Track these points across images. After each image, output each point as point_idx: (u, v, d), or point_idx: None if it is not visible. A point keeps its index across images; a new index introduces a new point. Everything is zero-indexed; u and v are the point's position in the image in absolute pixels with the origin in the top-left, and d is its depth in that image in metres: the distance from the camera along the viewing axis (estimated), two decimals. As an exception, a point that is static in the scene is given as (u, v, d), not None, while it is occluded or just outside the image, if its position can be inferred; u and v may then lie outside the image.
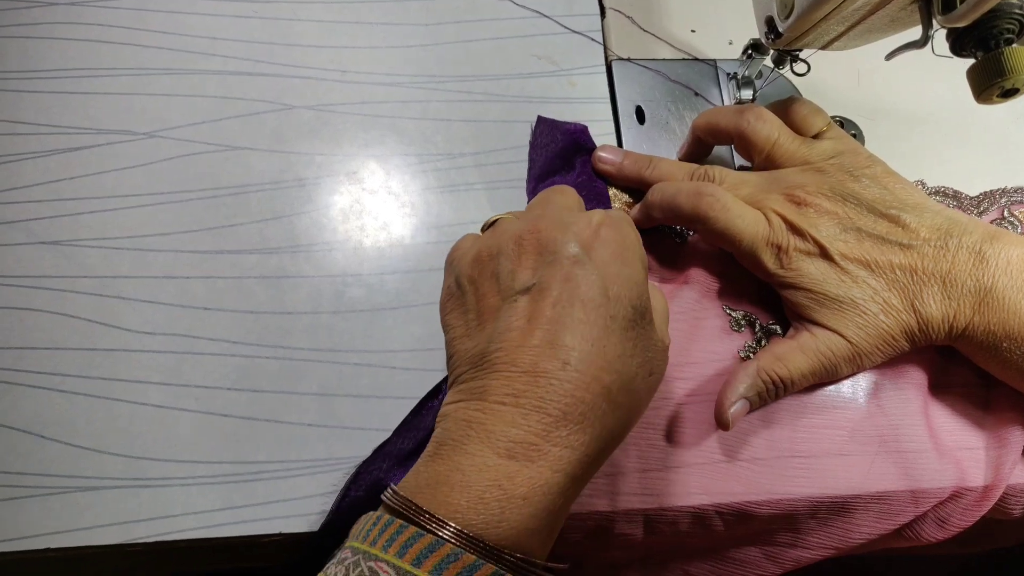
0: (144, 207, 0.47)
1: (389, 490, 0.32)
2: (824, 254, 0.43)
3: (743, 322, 0.47)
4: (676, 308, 0.46)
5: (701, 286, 0.47)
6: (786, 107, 0.48)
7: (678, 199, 0.44)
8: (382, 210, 0.49)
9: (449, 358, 0.36)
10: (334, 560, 0.31)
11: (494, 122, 0.52)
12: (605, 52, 0.55)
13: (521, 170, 0.51)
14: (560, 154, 0.49)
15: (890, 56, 0.42)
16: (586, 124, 0.50)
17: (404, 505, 0.31)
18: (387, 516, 0.30)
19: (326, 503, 0.42)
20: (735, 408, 0.42)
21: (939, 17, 0.35)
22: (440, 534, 0.29)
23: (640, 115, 0.53)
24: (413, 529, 0.29)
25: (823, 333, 0.43)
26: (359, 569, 0.29)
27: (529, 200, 0.49)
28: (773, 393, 0.43)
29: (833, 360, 0.43)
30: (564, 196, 0.40)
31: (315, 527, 0.41)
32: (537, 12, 0.55)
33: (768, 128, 0.46)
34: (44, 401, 0.42)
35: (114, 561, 0.42)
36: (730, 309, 0.47)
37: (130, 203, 0.47)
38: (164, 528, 0.41)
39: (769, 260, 0.44)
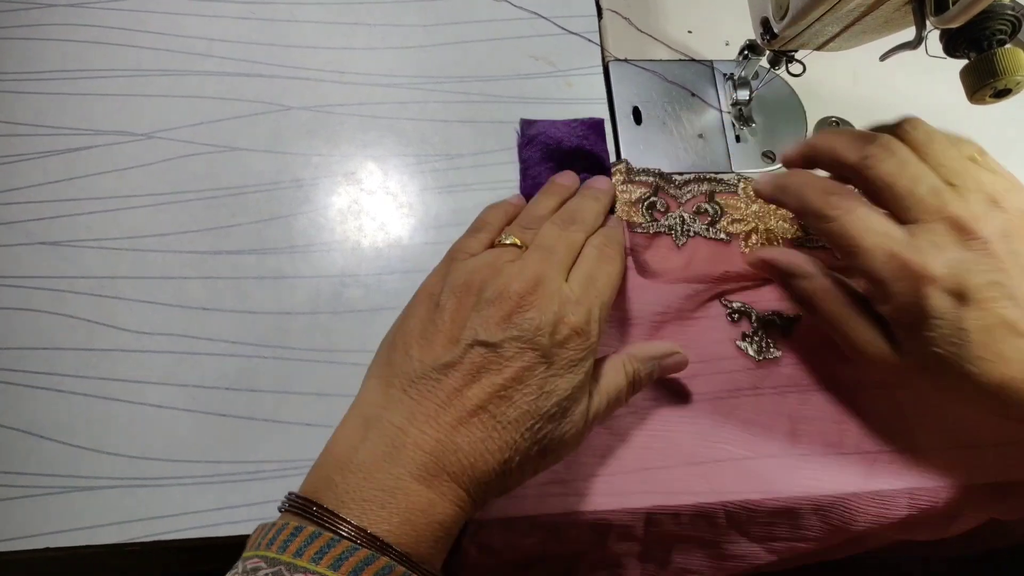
0: (142, 208, 0.47)
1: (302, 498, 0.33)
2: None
3: (740, 312, 0.47)
4: (674, 302, 0.46)
5: (698, 280, 0.47)
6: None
7: (805, 190, 0.41)
8: (380, 211, 0.49)
9: (394, 346, 0.37)
10: (238, 571, 0.31)
11: (492, 123, 0.52)
12: (602, 53, 0.55)
13: (517, 171, 0.51)
14: (566, 147, 0.49)
15: (884, 57, 0.42)
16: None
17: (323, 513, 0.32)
18: (302, 524, 0.32)
19: (324, 502, 0.42)
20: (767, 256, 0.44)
21: (932, 18, 0.36)
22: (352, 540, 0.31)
23: (637, 116, 0.54)
24: (328, 536, 0.31)
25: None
26: None
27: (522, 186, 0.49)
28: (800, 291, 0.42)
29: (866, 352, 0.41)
30: (567, 249, 0.39)
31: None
32: (534, 13, 0.55)
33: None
34: (42, 401, 0.43)
35: (112, 560, 0.42)
36: (727, 301, 0.47)
37: (128, 204, 0.47)
38: (162, 528, 0.41)
39: (888, 273, 0.38)
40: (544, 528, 0.42)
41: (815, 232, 0.44)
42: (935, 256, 0.37)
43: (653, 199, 0.49)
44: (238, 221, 0.48)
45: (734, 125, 0.54)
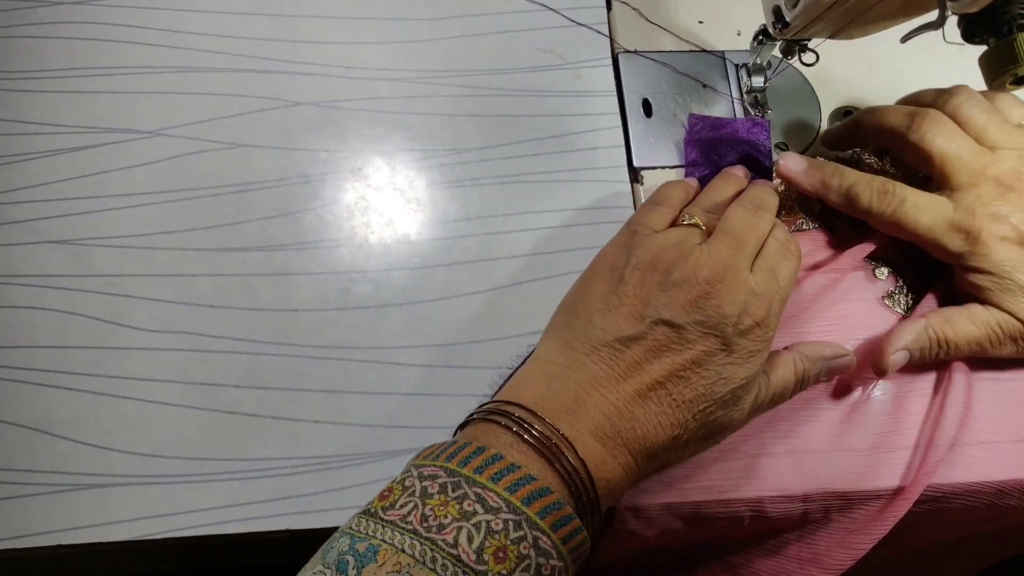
0: (150, 205, 0.47)
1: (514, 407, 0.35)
2: (1022, 242, 0.43)
3: (886, 270, 0.48)
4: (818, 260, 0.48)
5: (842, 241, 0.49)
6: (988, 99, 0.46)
7: (856, 189, 0.45)
8: (388, 206, 0.49)
9: (576, 311, 0.39)
10: (412, 475, 0.32)
11: (499, 116, 0.52)
12: (611, 44, 0.55)
13: (526, 165, 0.50)
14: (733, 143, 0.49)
15: (905, 38, 0.41)
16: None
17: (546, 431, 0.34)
18: (484, 445, 0.33)
19: (333, 500, 0.42)
20: (896, 356, 0.43)
21: (950, 3, 0.35)
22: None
23: (647, 108, 0.53)
24: (507, 462, 0.32)
25: (998, 311, 0.43)
26: (461, 491, 0.31)
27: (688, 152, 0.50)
28: (935, 352, 0.44)
29: (1001, 337, 0.44)
30: (754, 237, 0.40)
31: (322, 524, 0.41)
32: (543, 5, 0.55)
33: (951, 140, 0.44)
34: (53, 399, 0.43)
35: (124, 557, 0.42)
36: (872, 259, 0.49)
37: (136, 201, 0.47)
38: (172, 525, 0.41)
39: (954, 244, 0.43)
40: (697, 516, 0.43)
41: (872, 223, 0.46)
42: (982, 213, 0.43)
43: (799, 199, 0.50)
44: (245, 218, 0.47)
45: (747, 115, 0.53)
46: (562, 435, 0.34)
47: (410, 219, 0.49)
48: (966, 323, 0.44)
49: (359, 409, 0.44)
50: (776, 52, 0.51)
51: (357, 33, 0.53)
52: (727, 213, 0.41)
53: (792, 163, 0.48)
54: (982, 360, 0.45)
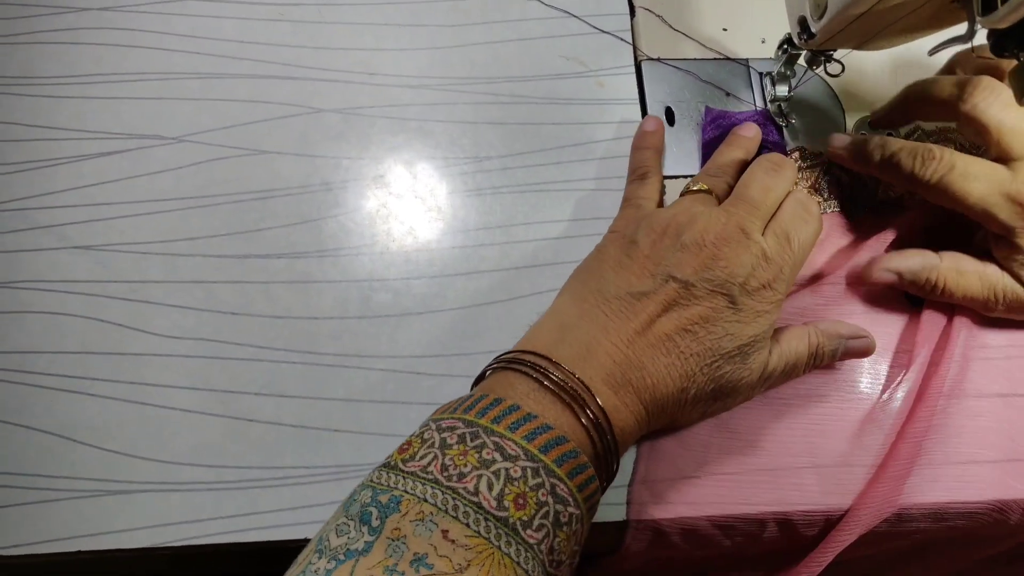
0: (173, 211, 0.48)
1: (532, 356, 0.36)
2: None
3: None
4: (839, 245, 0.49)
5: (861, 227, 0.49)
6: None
7: (899, 156, 0.44)
8: (409, 214, 0.49)
9: (586, 267, 0.41)
10: (431, 428, 0.33)
11: (521, 124, 0.51)
12: (634, 52, 0.54)
13: (548, 173, 0.50)
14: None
15: (934, 51, 0.40)
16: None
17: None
18: (500, 397, 0.34)
19: (352, 509, 0.42)
20: (883, 275, 0.45)
21: (979, 18, 0.34)
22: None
23: (670, 116, 0.53)
24: (524, 411, 0.32)
25: (1013, 282, 0.44)
26: (479, 440, 0.31)
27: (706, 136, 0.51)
28: (926, 291, 0.45)
29: (999, 304, 0.44)
30: (767, 202, 0.40)
31: (341, 533, 0.41)
32: (566, 12, 0.55)
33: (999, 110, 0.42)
34: (76, 405, 0.43)
35: (144, 564, 0.42)
36: None
37: (160, 207, 0.48)
38: (193, 532, 0.41)
39: (1007, 216, 0.42)
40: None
41: (919, 192, 0.45)
42: None
43: (824, 180, 0.50)
44: (267, 225, 0.48)
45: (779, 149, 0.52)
46: (579, 379, 0.35)
47: (431, 227, 0.49)
48: (974, 280, 0.44)
49: (378, 418, 0.44)
50: (801, 61, 0.50)
51: (379, 40, 0.53)
52: (744, 177, 0.42)
53: (837, 140, 0.48)
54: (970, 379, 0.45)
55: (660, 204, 0.47)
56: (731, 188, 0.43)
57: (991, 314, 0.46)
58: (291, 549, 0.42)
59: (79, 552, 0.40)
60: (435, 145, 0.51)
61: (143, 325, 0.45)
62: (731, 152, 0.46)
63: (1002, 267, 0.44)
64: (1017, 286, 0.44)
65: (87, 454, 0.42)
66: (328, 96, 0.51)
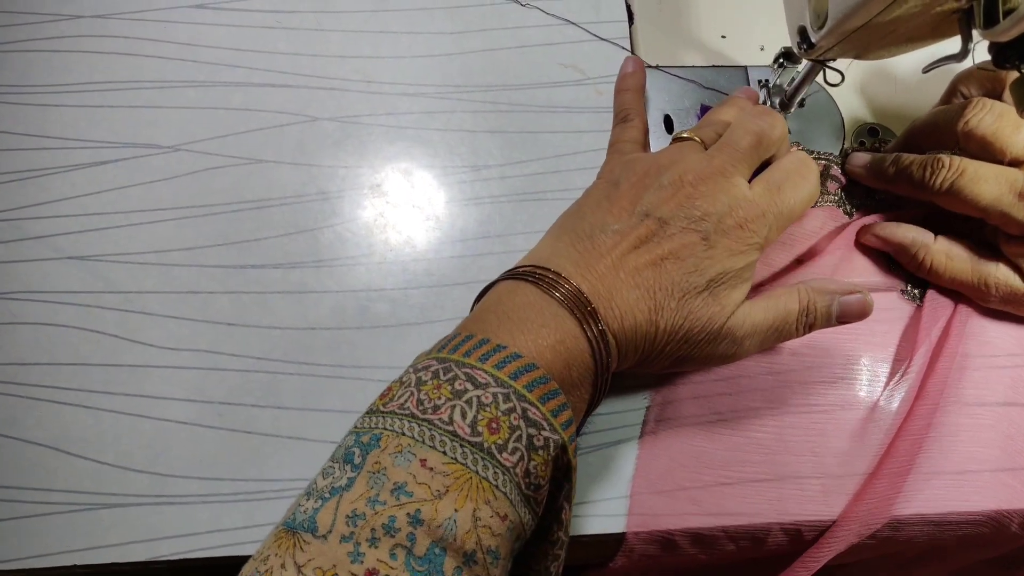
0: (168, 221, 0.47)
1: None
2: None
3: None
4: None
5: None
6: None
7: (911, 169, 0.45)
8: (406, 223, 0.48)
9: (567, 211, 0.41)
10: (408, 372, 0.34)
11: (519, 133, 0.51)
12: (633, 60, 0.54)
13: (546, 182, 0.50)
14: None
15: (928, 69, 0.40)
16: None
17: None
18: (471, 333, 0.34)
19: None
20: (871, 239, 0.48)
21: (980, 31, 0.34)
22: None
23: (669, 124, 0.52)
24: (494, 343, 0.33)
25: (1013, 275, 0.45)
26: (451, 374, 0.32)
27: None
28: (913, 265, 0.47)
29: (996, 293, 0.45)
30: (752, 151, 0.40)
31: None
32: (564, 20, 0.54)
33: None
34: (70, 417, 0.43)
35: (139, 578, 0.42)
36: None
37: (155, 217, 0.47)
38: (189, 546, 0.41)
39: (1021, 213, 0.42)
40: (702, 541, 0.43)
41: (933, 200, 0.46)
42: None
43: (824, 176, 0.51)
44: (263, 235, 0.47)
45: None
46: (576, 287, 0.36)
47: (429, 237, 0.48)
48: (964, 266, 0.45)
49: (376, 430, 0.43)
50: (799, 69, 0.50)
51: (377, 47, 0.53)
52: (731, 128, 0.42)
53: (856, 160, 0.50)
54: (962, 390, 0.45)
55: (646, 144, 0.48)
56: (718, 136, 0.42)
57: (987, 304, 0.46)
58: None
59: (74, 567, 0.40)
60: (433, 153, 0.50)
61: (138, 336, 0.44)
62: (726, 109, 0.45)
63: (1009, 264, 0.45)
64: (1012, 276, 0.45)
65: (81, 467, 0.42)
66: (325, 104, 0.51)
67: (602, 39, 0.54)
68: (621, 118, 0.48)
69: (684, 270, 0.37)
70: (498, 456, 0.31)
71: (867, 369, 0.46)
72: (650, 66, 0.54)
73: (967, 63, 0.38)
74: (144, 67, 0.50)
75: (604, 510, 0.42)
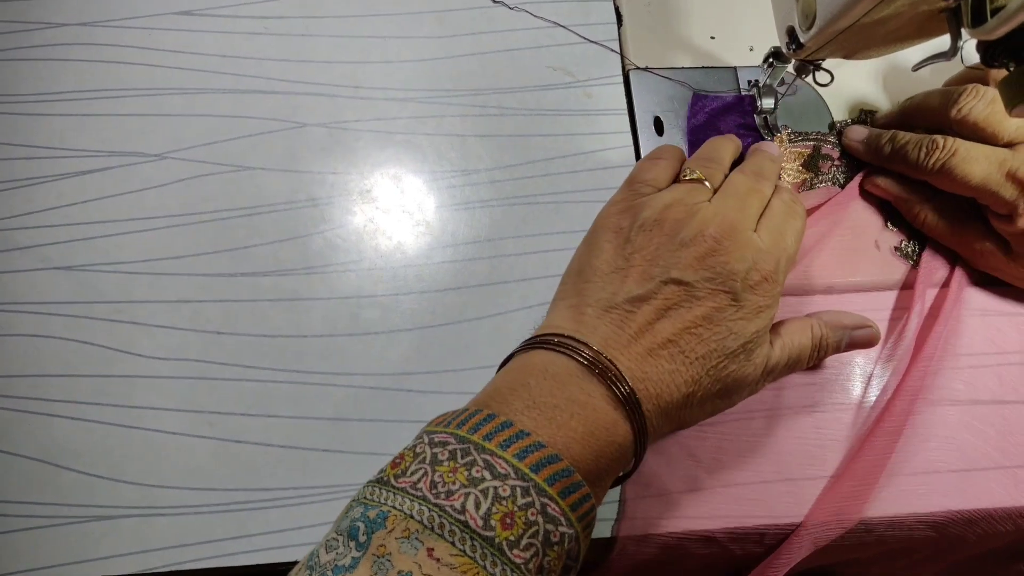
0: (157, 230, 0.47)
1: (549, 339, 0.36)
2: None
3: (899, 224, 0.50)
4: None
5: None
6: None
7: (907, 148, 0.46)
8: (396, 229, 0.48)
9: (583, 278, 0.38)
10: (423, 442, 0.32)
11: (509, 137, 0.51)
12: (622, 62, 0.54)
13: (536, 185, 0.50)
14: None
15: (917, 67, 0.40)
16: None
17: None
18: (493, 413, 0.33)
19: (342, 531, 0.41)
20: (884, 184, 0.49)
21: (968, 29, 0.34)
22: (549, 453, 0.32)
23: (659, 126, 0.52)
24: (516, 428, 0.32)
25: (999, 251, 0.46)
26: (469, 457, 0.31)
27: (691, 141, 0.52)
28: (910, 216, 0.48)
29: (978, 251, 0.47)
30: (758, 200, 0.40)
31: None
32: (553, 22, 0.54)
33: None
34: (60, 429, 0.42)
35: (131, 590, 0.42)
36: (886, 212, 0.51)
37: (143, 226, 0.47)
38: (180, 557, 0.41)
39: (1008, 193, 0.43)
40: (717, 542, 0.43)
41: (926, 178, 0.47)
42: None
43: (816, 156, 0.51)
44: (253, 242, 0.47)
45: (759, 133, 0.52)
46: (607, 359, 0.34)
47: (419, 242, 0.48)
48: (955, 229, 0.47)
49: (368, 437, 0.43)
50: (789, 69, 0.50)
51: (365, 52, 0.53)
52: (730, 178, 0.41)
53: (854, 134, 0.51)
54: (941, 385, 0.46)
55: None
56: (724, 175, 0.42)
57: (975, 266, 0.48)
58: (280, 572, 0.41)
59: (64, 580, 0.40)
60: (422, 158, 0.50)
61: (127, 346, 0.44)
62: (724, 144, 0.45)
63: (997, 238, 0.46)
64: (996, 252, 0.46)
65: (70, 479, 0.41)
66: (313, 110, 0.51)
67: (591, 41, 0.54)
68: (654, 156, 0.44)
69: (719, 336, 0.36)
70: (508, 553, 0.29)
71: (860, 371, 0.46)
72: (639, 67, 0.54)
73: (956, 61, 0.38)
74: (131, 74, 0.50)
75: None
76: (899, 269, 0.49)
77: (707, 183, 0.41)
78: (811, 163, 0.51)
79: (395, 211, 0.49)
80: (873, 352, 0.46)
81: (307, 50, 0.52)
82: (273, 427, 0.43)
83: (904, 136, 0.47)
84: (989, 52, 0.36)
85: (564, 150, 0.51)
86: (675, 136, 0.52)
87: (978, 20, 0.33)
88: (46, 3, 0.51)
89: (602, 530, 0.42)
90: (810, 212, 0.49)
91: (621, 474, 0.36)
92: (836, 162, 0.51)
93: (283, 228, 0.48)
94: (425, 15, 0.54)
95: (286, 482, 0.42)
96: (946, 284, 0.48)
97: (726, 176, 0.42)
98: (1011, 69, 0.36)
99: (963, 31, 0.36)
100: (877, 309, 0.48)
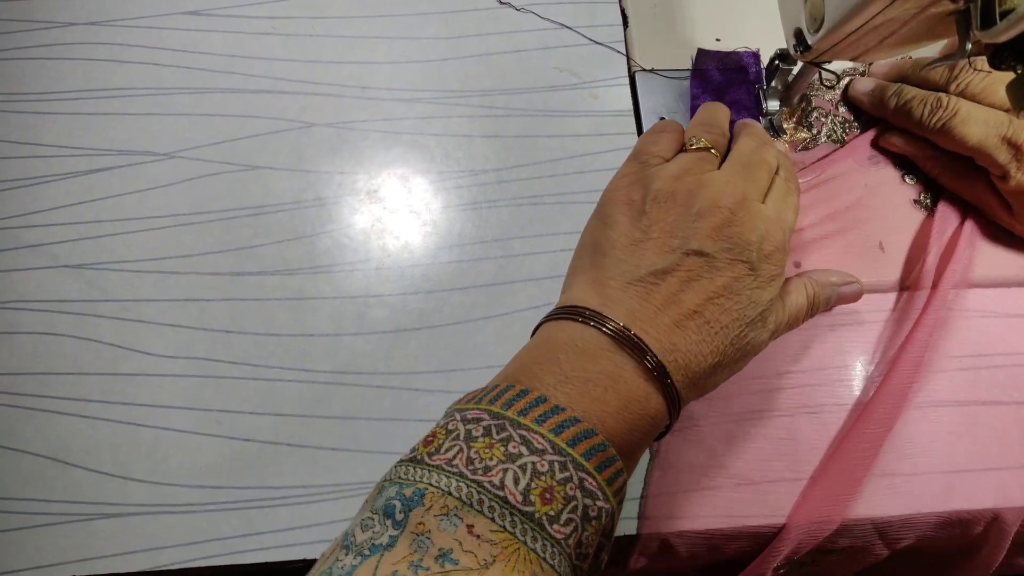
0: (165, 229, 0.47)
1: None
2: None
3: (915, 176, 0.52)
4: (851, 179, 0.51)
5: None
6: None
7: (912, 104, 0.48)
8: (403, 229, 0.48)
9: (600, 252, 0.38)
10: (455, 419, 0.32)
11: (516, 137, 0.51)
12: (628, 63, 0.54)
13: (543, 186, 0.50)
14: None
15: (925, 68, 0.40)
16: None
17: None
18: (527, 388, 0.32)
19: (350, 529, 0.41)
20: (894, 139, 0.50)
21: (977, 32, 0.34)
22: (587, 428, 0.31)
23: (664, 127, 0.52)
24: (552, 403, 0.32)
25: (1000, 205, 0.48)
26: (505, 433, 0.31)
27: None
28: (928, 170, 0.50)
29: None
30: (766, 171, 0.40)
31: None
32: (559, 24, 0.54)
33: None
34: (68, 427, 0.42)
35: (139, 588, 0.42)
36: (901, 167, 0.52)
37: (151, 225, 0.47)
38: (189, 555, 0.41)
39: (1003, 156, 0.45)
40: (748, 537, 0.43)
41: (925, 135, 0.49)
42: None
43: (809, 110, 0.52)
44: (260, 241, 0.47)
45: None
46: (633, 333, 0.34)
47: (426, 242, 0.48)
48: (963, 186, 0.49)
49: (376, 436, 0.43)
50: (795, 71, 0.50)
51: (372, 53, 0.53)
52: (738, 144, 0.41)
53: (860, 85, 0.52)
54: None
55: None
56: (727, 140, 0.42)
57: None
58: (289, 570, 0.41)
59: (73, 578, 0.40)
60: (429, 159, 0.50)
61: (135, 345, 0.44)
62: (720, 110, 0.45)
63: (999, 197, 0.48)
64: (997, 205, 0.48)
65: (79, 477, 0.41)
66: (320, 110, 0.51)
67: (597, 43, 0.54)
68: (657, 128, 0.43)
69: (739, 305, 0.36)
70: (548, 528, 0.29)
71: (861, 372, 0.46)
72: (644, 69, 0.54)
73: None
74: (138, 74, 0.50)
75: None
76: (899, 269, 0.49)
77: (714, 151, 0.41)
78: (804, 117, 0.52)
79: (402, 211, 0.49)
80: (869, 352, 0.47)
81: (314, 50, 0.52)
82: (281, 426, 0.43)
83: (910, 91, 0.49)
84: (997, 55, 0.36)
85: (571, 151, 0.51)
86: (681, 137, 0.52)
87: (987, 23, 0.33)
88: (54, 2, 0.51)
89: (626, 528, 0.42)
90: (813, 168, 0.51)
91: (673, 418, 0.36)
92: (833, 112, 0.52)
93: (290, 228, 0.48)
94: (432, 16, 0.54)
95: (294, 480, 0.42)
96: (936, 285, 0.48)
97: (728, 141, 0.43)
98: (1019, 72, 0.36)
99: (971, 33, 0.36)
100: (877, 310, 0.48)
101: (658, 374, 0.34)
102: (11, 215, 0.46)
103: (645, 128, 0.52)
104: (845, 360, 0.47)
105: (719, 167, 0.40)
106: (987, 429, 0.45)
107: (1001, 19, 0.32)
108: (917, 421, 0.45)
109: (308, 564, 0.41)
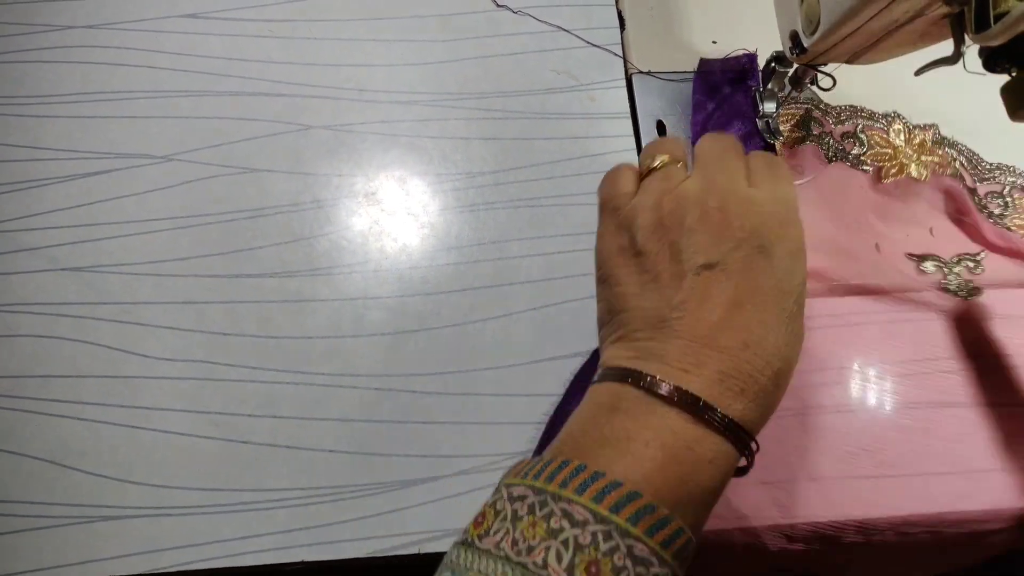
0: (163, 231, 0.47)
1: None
2: None
3: (931, 263, 0.50)
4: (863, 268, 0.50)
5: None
6: None
7: None
8: (401, 231, 0.48)
9: (616, 311, 0.36)
10: (503, 497, 0.31)
11: (513, 139, 0.51)
12: (625, 65, 0.54)
13: (541, 188, 0.50)
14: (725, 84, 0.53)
15: (920, 72, 0.41)
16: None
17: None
18: (568, 459, 0.31)
19: (348, 530, 0.41)
20: None
21: (971, 35, 0.34)
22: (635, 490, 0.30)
23: (661, 129, 0.53)
24: (592, 471, 0.30)
25: None
26: (547, 509, 0.29)
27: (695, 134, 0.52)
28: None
29: None
30: (736, 157, 0.37)
31: (338, 555, 0.41)
32: (556, 27, 0.55)
33: None
34: (66, 430, 0.42)
35: (137, 590, 0.42)
36: (911, 256, 0.51)
37: (149, 228, 0.47)
38: (188, 557, 0.41)
39: None
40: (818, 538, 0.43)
41: None
42: None
43: (808, 118, 0.53)
44: (258, 244, 0.47)
45: (762, 136, 0.53)
46: (687, 391, 0.32)
47: (424, 244, 0.48)
48: None
49: (374, 438, 0.43)
50: (792, 74, 0.50)
51: (369, 56, 0.53)
52: (698, 148, 0.38)
53: None
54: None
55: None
56: (681, 148, 0.39)
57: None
58: (287, 573, 0.41)
59: (71, 580, 0.40)
60: (427, 161, 0.50)
61: (134, 347, 0.44)
62: (673, 140, 0.41)
63: None
64: None
65: (78, 479, 0.42)
66: (318, 113, 0.51)
67: (594, 45, 0.55)
68: (610, 172, 0.40)
69: (771, 298, 0.33)
70: None
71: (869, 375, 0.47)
72: (641, 71, 0.54)
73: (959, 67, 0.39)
74: (136, 77, 0.50)
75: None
76: (898, 270, 0.49)
77: (678, 164, 0.38)
78: (803, 123, 0.53)
79: (400, 213, 0.49)
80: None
81: (312, 53, 0.52)
82: (279, 428, 0.43)
83: None
84: (992, 58, 0.36)
85: (568, 153, 0.51)
86: (678, 139, 0.52)
87: (981, 26, 0.33)
88: (52, 5, 0.51)
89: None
90: (809, 168, 0.52)
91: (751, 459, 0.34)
92: (830, 133, 0.53)
93: (288, 230, 0.48)
94: (429, 19, 0.54)
95: (293, 483, 0.42)
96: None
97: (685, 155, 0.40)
98: (1013, 75, 0.36)
99: (966, 37, 0.36)
100: (877, 311, 0.48)
101: (705, 412, 0.31)
102: (10, 218, 0.46)
103: (642, 130, 0.52)
104: (841, 362, 0.47)
105: (687, 176, 0.37)
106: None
107: (995, 22, 0.32)
108: (940, 421, 0.45)
109: (307, 566, 0.41)
